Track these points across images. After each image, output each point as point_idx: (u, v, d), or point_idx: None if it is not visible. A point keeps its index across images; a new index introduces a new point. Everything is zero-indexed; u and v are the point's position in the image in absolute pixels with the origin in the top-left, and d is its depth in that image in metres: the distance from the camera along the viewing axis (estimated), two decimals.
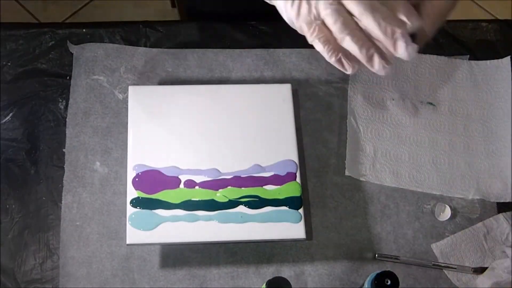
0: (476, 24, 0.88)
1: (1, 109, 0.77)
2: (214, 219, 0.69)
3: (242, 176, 0.71)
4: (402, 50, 0.53)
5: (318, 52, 0.84)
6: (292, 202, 0.70)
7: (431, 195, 0.78)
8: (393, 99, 0.82)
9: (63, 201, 0.73)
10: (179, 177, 0.71)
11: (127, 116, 0.74)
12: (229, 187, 0.71)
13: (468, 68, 0.85)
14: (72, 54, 0.80)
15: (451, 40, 0.86)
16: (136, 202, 0.69)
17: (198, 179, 0.71)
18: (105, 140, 0.76)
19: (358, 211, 0.76)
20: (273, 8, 0.69)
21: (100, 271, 0.71)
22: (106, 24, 0.84)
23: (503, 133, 0.81)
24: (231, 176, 0.71)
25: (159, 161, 0.71)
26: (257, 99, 0.75)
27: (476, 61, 0.85)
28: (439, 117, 0.81)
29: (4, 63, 0.79)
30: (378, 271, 0.63)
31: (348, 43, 0.53)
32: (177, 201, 0.69)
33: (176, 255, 0.72)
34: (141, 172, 0.70)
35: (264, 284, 0.60)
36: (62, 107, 0.78)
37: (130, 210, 0.68)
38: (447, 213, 0.76)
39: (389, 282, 0.63)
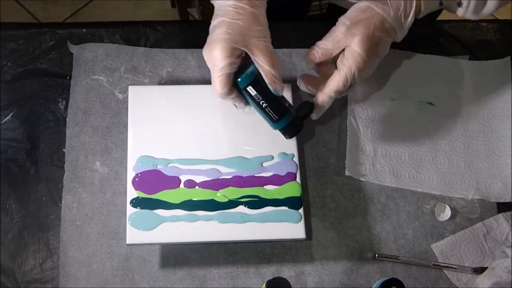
0: (476, 24, 0.88)
1: (1, 109, 0.77)
2: (214, 219, 0.69)
3: (242, 176, 0.71)
4: None
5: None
6: (292, 202, 0.70)
7: (431, 195, 0.78)
8: (393, 99, 0.82)
9: (63, 201, 0.73)
10: (179, 177, 0.71)
11: (127, 116, 0.74)
12: (229, 187, 0.71)
13: (468, 68, 0.85)
14: (72, 54, 0.80)
15: (451, 40, 0.86)
16: (136, 202, 0.69)
17: (198, 179, 0.71)
18: (105, 140, 0.76)
19: (358, 211, 0.76)
20: (272, 8, 0.69)
21: (100, 271, 0.71)
22: (106, 24, 0.84)
23: (503, 133, 0.81)
24: (231, 176, 0.71)
25: (159, 161, 0.71)
26: None
27: (476, 61, 0.85)
28: (439, 117, 0.81)
29: (4, 63, 0.79)
30: (386, 278, 0.63)
31: None
32: (177, 201, 0.69)
33: (176, 255, 0.72)
34: (141, 172, 0.70)
35: (264, 284, 0.60)
36: (62, 107, 0.78)
37: (130, 210, 0.68)
38: (447, 213, 0.76)
39: None
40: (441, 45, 0.86)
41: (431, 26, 0.87)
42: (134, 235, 0.67)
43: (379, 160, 0.78)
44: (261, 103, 0.67)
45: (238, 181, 0.71)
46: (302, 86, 0.72)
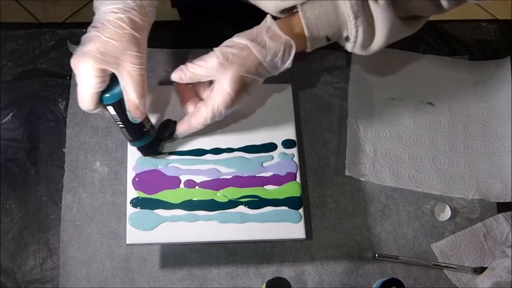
0: (476, 24, 0.88)
1: (1, 109, 0.77)
2: (214, 219, 0.69)
3: (242, 176, 0.71)
4: None
5: (318, 52, 0.85)
6: (292, 202, 0.70)
7: (431, 195, 0.78)
8: (393, 99, 0.82)
9: (63, 201, 0.73)
10: (179, 177, 0.71)
11: None
12: (229, 187, 0.71)
13: (468, 68, 0.85)
14: (72, 54, 0.80)
15: (451, 40, 0.86)
16: (136, 202, 0.69)
17: (198, 179, 0.71)
18: (105, 140, 0.76)
19: (358, 211, 0.76)
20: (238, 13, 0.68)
21: (100, 271, 0.71)
22: None
23: (503, 133, 0.81)
24: (231, 176, 0.71)
25: (159, 161, 0.71)
26: (257, 99, 0.75)
27: (476, 61, 0.85)
28: (439, 117, 0.81)
29: (4, 63, 0.79)
30: (386, 278, 0.63)
31: None
32: (177, 201, 0.69)
33: (176, 255, 0.72)
34: (141, 172, 0.70)
35: (264, 284, 0.60)
36: (62, 107, 0.78)
37: (130, 210, 0.68)
38: (447, 213, 0.76)
39: None
40: (441, 45, 0.86)
41: (431, 26, 0.87)
42: (134, 235, 0.67)
43: (379, 160, 0.78)
44: (117, 123, 0.66)
45: (238, 181, 0.71)
46: (176, 88, 0.70)
